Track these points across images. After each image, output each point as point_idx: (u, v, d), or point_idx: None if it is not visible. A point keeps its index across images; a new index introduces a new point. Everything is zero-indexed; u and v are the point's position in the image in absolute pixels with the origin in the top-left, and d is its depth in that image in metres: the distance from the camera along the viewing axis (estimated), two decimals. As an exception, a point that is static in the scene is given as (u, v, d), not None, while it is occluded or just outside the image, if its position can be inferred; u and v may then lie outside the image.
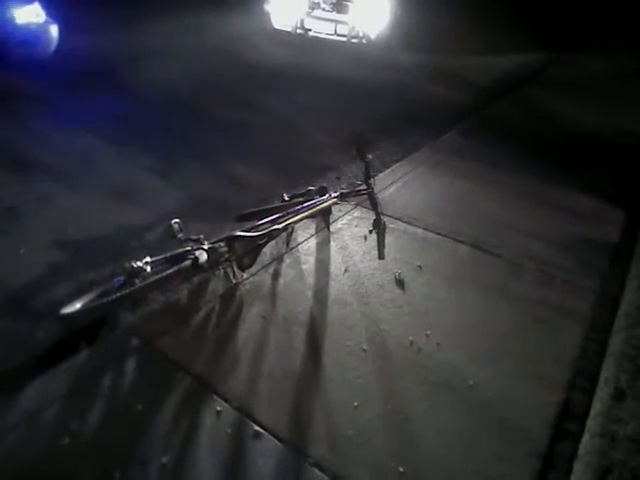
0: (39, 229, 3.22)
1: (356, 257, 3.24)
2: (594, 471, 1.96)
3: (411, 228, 3.62)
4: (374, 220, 3.15)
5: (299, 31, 8.29)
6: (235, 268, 2.83)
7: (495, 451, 2.08)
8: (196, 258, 2.53)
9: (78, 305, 2.32)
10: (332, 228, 3.50)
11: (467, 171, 4.68)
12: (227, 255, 2.75)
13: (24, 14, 5.09)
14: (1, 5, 4.97)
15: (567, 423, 2.23)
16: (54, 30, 5.45)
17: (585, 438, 2.12)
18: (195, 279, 2.85)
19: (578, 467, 2.01)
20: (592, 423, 2.18)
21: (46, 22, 5.35)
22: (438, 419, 2.20)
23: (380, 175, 4.29)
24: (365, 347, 2.53)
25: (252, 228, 2.87)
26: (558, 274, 3.29)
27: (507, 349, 2.63)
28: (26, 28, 5.12)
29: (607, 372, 2.48)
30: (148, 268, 2.44)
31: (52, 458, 1.87)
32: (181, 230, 2.65)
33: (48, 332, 2.43)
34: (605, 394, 2.33)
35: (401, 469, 1.96)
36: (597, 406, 2.27)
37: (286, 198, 3.28)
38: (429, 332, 2.65)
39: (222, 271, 2.88)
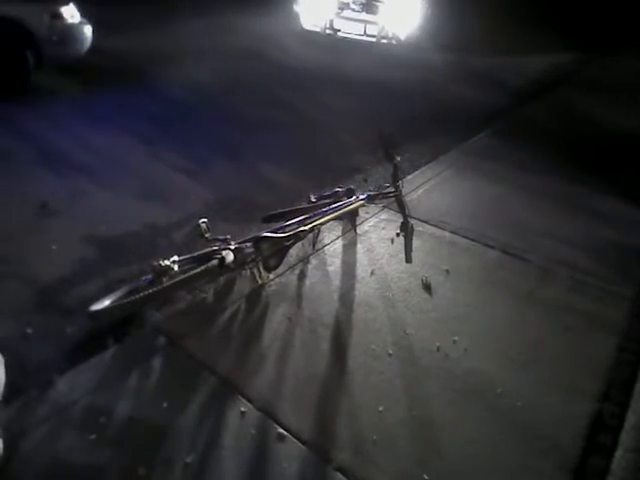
0: (71, 226, 3.28)
1: (383, 260, 3.21)
2: (628, 487, 1.90)
3: (439, 231, 3.57)
4: (401, 223, 3.12)
5: (328, 31, 8.30)
6: (261, 269, 2.82)
7: (523, 462, 2.03)
8: (223, 258, 2.54)
9: (107, 302, 2.36)
10: (359, 230, 3.48)
11: (497, 174, 4.60)
12: (253, 256, 2.76)
13: (59, 14, 5.19)
14: (37, 6, 5.07)
15: (600, 436, 2.16)
16: (88, 30, 5.55)
17: (619, 452, 2.05)
18: (221, 279, 2.86)
19: (611, 482, 1.95)
20: (626, 437, 2.11)
21: (81, 23, 5.45)
22: (465, 427, 2.15)
23: (408, 177, 4.24)
24: (391, 351, 2.50)
25: (279, 229, 2.88)
26: (590, 281, 3.20)
27: (537, 357, 2.57)
28: (61, 28, 5.22)
29: (642, 384, 2.40)
30: (176, 267, 2.47)
31: (79, 453, 1.89)
32: (208, 230, 2.66)
33: (77, 328, 2.47)
34: (640, 407, 2.25)
35: (426, 477, 1.92)
36: (632, 419, 2.20)
37: (313, 199, 3.28)
38: (456, 338, 2.61)
39: (248, 271, 2.88)
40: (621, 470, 1.97)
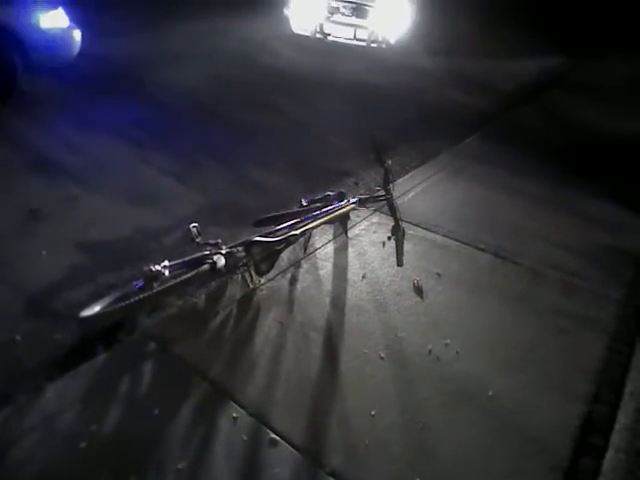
0: (61, 231, 3.25)
1: (374, 263, 3.21)
2: (619, 488, 1.91)
3: (430, 235, 3.58)
4: (393, 226, 3.13)
5: (318, 36, 8.31)
6: (253, 273, 2.82)
7: (515, 464, 2.04)
8: (214, 263, 2.53)
9: (97, 308, 2.33)
10: (350, 234, 3.48)
11: (488, 177, 4.62)
12: (245, 260, 2.75)
13: (48, 19, 5.16)
14: (26, 10, 5.04)
15: (591, 437, 2.17)
16: (77, 35, 5.51)
17: (610, 454, 2.06)
18: (213, 284, 2.85)
19: (602, 484, 1.96)
20: (617, 438, 2.13)
21: (69, 27, 5.42)
22: (457, 430, 2.16)
23: (399, 180, 4.25)
24: (383, 355, 2.50)
25: (270, 233, 2.87)
26: (581, 284, 3.22)
27: (528, 359, 2.58)
28: (50, 33, 5.19)
29: (632, 385, 2.42)
30: (166, 272, 2.44)
31: (69, 461, 1.87)
32: (199, 234, 2.65)
33: (67, 334, 2.44)
34: (630, 408, 2.27)
35: (419, 480, 1.93)
36: (622, 420, 2.22)
37: (304, 203, 3.27)
38: (448, 341, 2.61)
39: (240, 276, 2.88)
40: (612, 471, 1.99)
